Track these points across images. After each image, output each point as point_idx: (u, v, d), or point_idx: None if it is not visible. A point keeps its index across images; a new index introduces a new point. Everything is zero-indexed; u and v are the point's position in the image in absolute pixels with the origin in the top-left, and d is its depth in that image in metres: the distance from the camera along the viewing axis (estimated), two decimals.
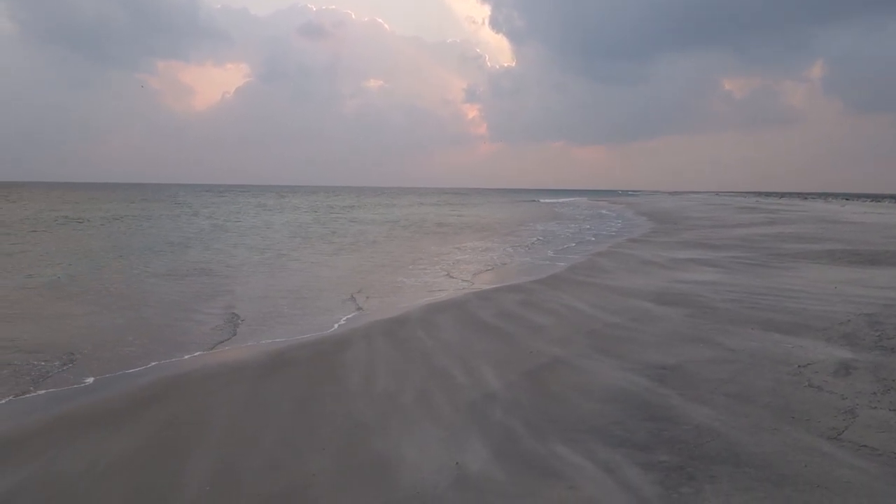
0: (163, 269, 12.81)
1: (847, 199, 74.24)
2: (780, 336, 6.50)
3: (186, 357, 6.40)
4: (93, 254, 15.57)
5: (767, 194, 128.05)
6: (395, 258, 15.71)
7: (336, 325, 7.70)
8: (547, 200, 76.09)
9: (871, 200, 69.87)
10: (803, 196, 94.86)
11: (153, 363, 6.12)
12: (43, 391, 5.33)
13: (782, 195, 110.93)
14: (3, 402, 5.05)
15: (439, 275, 12.60)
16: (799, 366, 5.41)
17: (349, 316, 8.26)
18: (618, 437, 4.07)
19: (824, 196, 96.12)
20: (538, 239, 22.19)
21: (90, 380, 5.63)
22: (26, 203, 44.05)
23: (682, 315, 7.69)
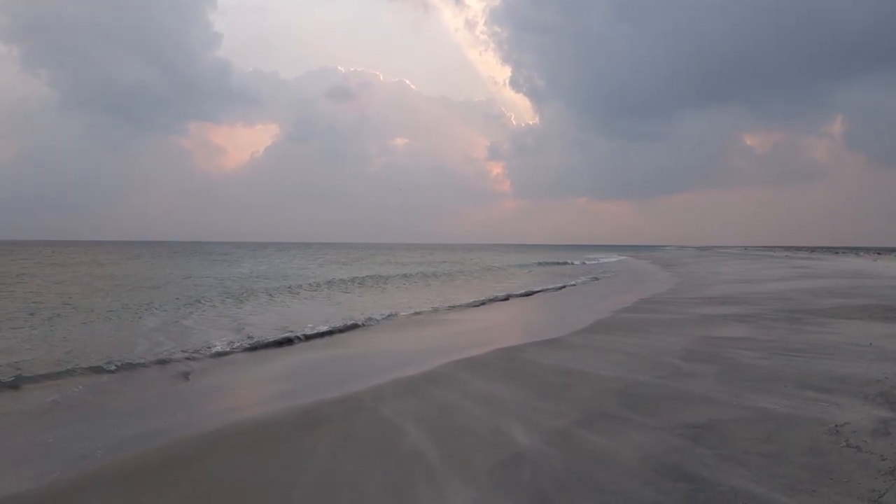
0: None
1: (879, 254, 72.70)
2: (816, 394, 6.36)
3: (216, 416, 6.51)
4: None
5: (797, 248, 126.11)
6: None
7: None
8: (605, 258, 71.85)
9: None
10: (834, 251, 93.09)
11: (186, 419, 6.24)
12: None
13: (813, 249, 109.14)
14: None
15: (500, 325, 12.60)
16: (836, 425, 5.29)
17: None
18: (651, 499, 4.00)
19: (855, 250, 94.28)
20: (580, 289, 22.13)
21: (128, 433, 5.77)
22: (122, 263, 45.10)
23: (713, 372, 7.58)
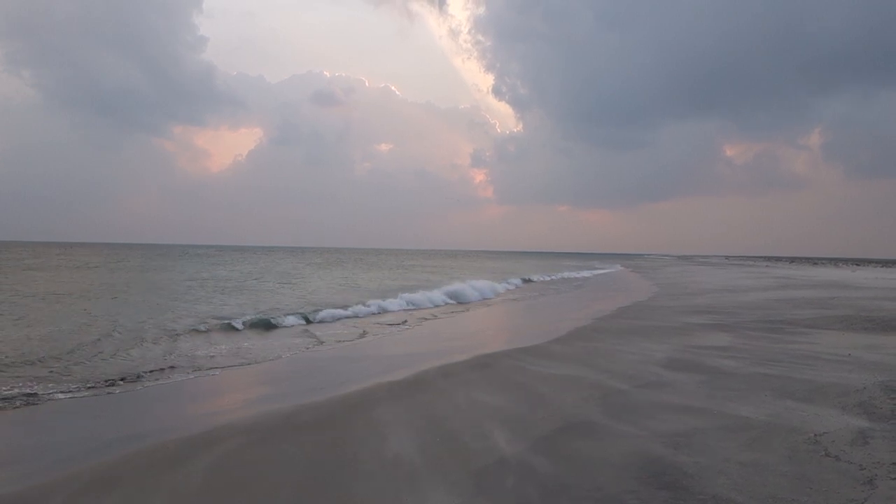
0: None
1: (857, 265, 74.01)
2: (795, 403, 6.42)
3: (203, 419, 6.42)
4: None
5: (777, 259, 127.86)
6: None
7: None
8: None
9: (881, 266, 69.50)
10: (813, 261, 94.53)
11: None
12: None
13: (792, 260, 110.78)
14: None
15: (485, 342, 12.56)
16: (815, 434, 5.34)
17: None
18: None
19: (834, 261, 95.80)
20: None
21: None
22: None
23: (694, 381, 7.63)
